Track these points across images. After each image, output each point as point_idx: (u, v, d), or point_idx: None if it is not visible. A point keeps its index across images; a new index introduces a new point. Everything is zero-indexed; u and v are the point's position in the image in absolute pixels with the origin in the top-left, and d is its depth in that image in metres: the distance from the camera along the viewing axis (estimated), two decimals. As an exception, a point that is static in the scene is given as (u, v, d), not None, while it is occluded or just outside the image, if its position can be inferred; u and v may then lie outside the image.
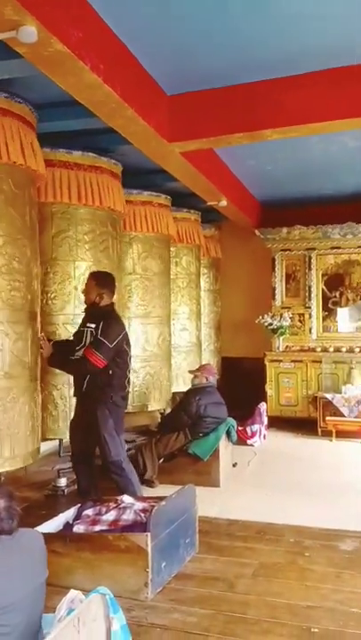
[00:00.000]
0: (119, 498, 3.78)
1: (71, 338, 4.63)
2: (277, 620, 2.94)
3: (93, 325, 4.25)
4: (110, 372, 4.25)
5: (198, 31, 3.59)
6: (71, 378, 4.65)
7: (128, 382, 4.50)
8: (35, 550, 2.43)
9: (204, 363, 6.79)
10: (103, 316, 4.32)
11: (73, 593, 2.47)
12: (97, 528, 3.45)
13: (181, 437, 5.36)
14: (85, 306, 4.53)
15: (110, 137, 4.70)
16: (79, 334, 4.39)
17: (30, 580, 2.35)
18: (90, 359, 4.15)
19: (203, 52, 3.86)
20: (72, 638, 2.11)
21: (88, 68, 3.19)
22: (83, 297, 4.53)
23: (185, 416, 5.41)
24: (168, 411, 6.99)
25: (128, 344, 4.43)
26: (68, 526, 3.69)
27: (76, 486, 5.10)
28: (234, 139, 4.50)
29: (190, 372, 6.05)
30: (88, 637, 2.21)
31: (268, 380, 7.98)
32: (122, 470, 4.28)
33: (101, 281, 4.43)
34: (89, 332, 4.27)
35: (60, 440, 5.25)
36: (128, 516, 3.45)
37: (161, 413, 7.31)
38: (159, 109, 4.31)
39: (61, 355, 4.39)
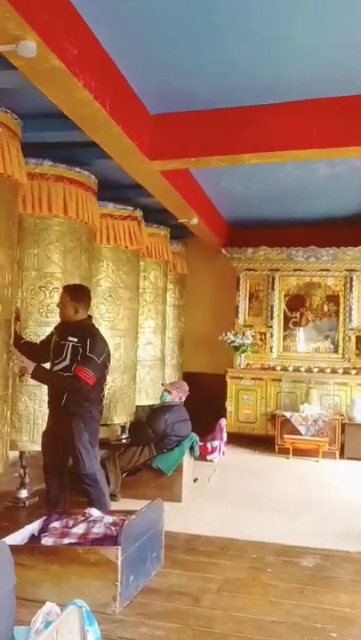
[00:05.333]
0: (87, 511, 3.77)
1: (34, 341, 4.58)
2: (243, 635, 2.99)
3: (76, 339, 4.16)
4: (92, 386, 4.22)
5: (185, 54, 3.67)
6: (42, 390, 4.60)
7: (103, 396, 4.52)
8: (1, 558, 2.45)
9: (175, 379, 6.72)
10: (87, 332, 4.26)
11: (49, 605, 2.49)
12: (66, 541, 3.44)
13: (146, 452, 5.37)
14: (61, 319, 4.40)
15: (89, 150, 4.71)
16: (58, 347, 4.24)
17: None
18: (82, 377, 4.08)
19: (188, 75, 3.95)
20: (51, 651, 2.12)
21: (81, 85, 3.24)
22: (58, 311, 4.42)
23: (151, 433, 5.40)
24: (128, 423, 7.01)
25: (109, 359, 4.42)
26: (34, 539, 3.67)
27: (36, 498, 5.08)
28: (214, 160, 4.61)
29: (163, 385, 6.02)
30: (65, 650, 2.23)
31: (228, 396, 8.11)
32: (95, 482, 4.28)
33: (75, 295, 4.35)
34: (71, 347, 4.16)
35: (22, 452, 5.19)
36: (98, 530, 3.46)
37: (122, 426, 7.30)
38: (142, 128, 4.38)
39: (44, 368, 4.26)
